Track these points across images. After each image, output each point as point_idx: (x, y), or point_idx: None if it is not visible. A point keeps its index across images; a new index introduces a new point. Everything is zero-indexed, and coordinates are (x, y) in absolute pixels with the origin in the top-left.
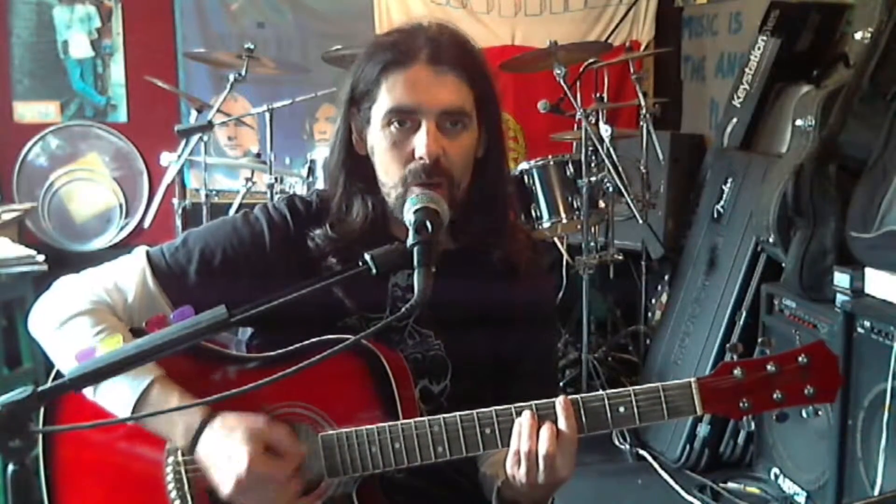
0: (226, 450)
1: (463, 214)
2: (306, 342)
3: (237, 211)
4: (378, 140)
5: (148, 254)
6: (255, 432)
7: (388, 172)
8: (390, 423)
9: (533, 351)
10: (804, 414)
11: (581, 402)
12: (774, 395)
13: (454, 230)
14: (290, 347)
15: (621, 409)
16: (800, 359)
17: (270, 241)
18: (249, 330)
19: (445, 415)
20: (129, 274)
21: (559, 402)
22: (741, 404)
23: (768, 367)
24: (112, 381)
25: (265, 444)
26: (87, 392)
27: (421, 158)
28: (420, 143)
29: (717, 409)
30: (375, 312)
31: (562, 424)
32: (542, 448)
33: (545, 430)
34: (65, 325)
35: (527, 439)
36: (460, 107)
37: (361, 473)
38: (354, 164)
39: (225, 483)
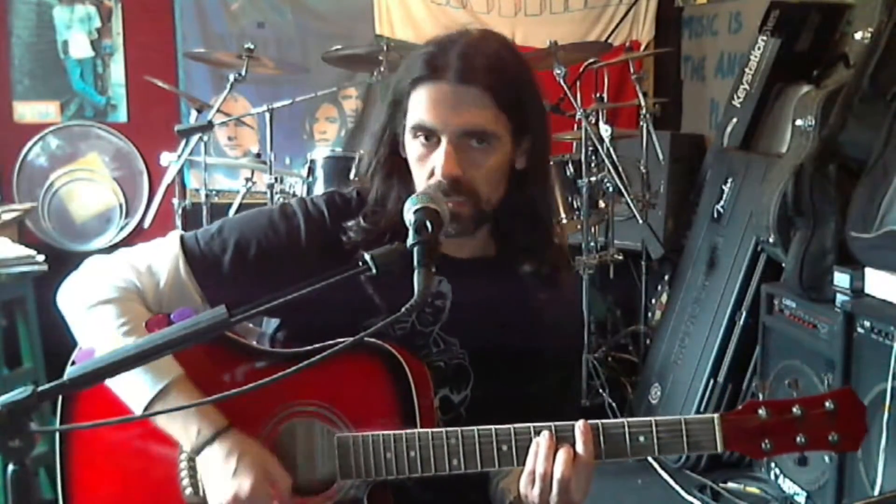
0: (232, 466)
1: (505, 224)
2: (327, 343)
3: (237, 211)
4: (409, 150)
5: (182, 239)
6: (265, 463)
7: (417, 183)
8: (408, 430)
9: (557, 368)
10: (826, 459)
11: (601, 428)
12: (798, 439)
13: (496, 238)
14: (311, 346)
15: (641, 439)
16: (827, 404)
17: (306, 235)
18: (274, 322)
19: (464, 428)
20: (163, 258)
21: (579, 425)
22: (763, 445)
23: (794, 409)
24: (131, 374)
25: (269, 480)
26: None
27: (438, 177)
28: (437, 162)
29: (739, 447)
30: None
31: (580, 448)
32: (558, 471)
33: (562, 453)
34: (92, 310)
35: (543, 461)
36: (482, 127)
37: (374, 478)
38: (395, 164)
39: (219, 496)
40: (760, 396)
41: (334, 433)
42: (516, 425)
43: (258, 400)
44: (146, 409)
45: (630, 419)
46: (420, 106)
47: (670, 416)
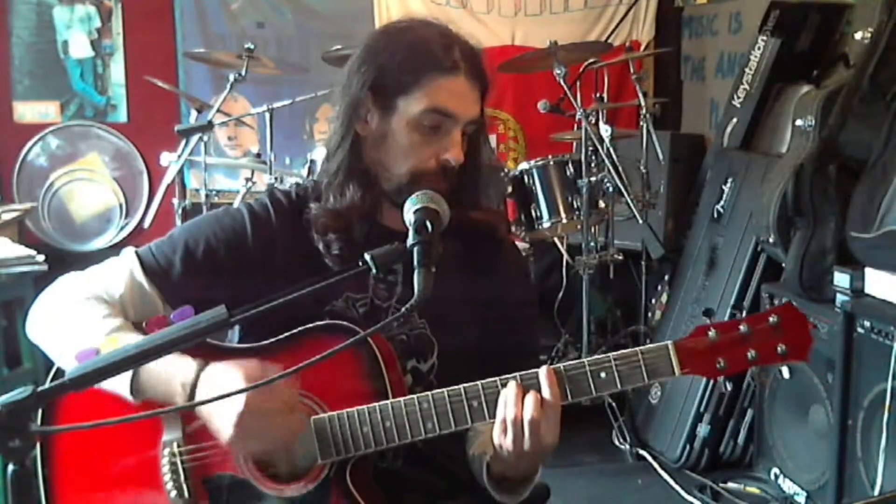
0: (224, 389)
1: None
2: (301, 328)
3: None
4: (402, 131)
5: (136, 251)
6: (251, 370)
7: (401, 162)
8: (381, 402)
9: (514, 326)
10: (783, 372)
11: (564, 371)
12: (748, 354)
13: None
14: (286, 334)
15: (602, 375)
16: (770, 319)
17: (252, 230)
18: (238, 334)
19: (433, 391)
20: (118, 271)
21: (542, 371)
22: (717, 364)
23: (741, 327)
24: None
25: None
26: None
27: (448, 162)
28: (450, 147)
29: (695, 369)
30: (359, 293)
31: (545, 393)
32: (527, 414)
33: (530, 398)
34: (66, 315)
35: (512, 407)
36: (480, 121)
37: (354, 454)
38: (354, 143)
39: (227, 424)
40: (708, 322)
41: (311, 417)
42: (483, 380)
43: None
44: (134, 379)
45: (589, 357)
46: (440, 94)
47: (626, 349)
